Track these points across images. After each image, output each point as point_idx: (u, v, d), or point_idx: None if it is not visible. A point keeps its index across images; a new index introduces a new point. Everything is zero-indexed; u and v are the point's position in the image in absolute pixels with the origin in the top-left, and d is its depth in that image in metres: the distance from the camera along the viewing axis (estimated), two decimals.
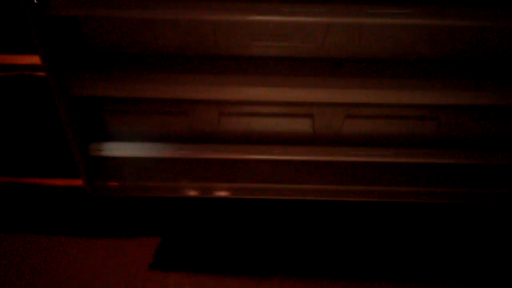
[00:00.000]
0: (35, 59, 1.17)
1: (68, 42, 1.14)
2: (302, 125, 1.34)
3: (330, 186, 1.38)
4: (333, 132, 1.35)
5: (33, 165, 1.46)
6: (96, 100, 1.26)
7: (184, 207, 1.55)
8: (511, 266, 1.41)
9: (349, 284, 1.36)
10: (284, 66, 1.20)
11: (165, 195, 1.39)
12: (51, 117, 1.30)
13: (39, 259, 1.47)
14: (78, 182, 1.46)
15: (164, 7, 1.02)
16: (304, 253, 1.46)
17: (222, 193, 1.39)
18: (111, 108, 1.29)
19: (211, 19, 1.09)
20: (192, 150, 1.33)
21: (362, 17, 1.04)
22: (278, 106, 1.31)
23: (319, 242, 1.49)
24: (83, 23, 1.10)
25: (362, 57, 1.21)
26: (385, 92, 1.20)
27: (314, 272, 1.41)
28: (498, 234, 1.49)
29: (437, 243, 1.47)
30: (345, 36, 1.16)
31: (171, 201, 1.50)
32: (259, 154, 1.33)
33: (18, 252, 1.49)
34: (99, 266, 1.45)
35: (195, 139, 1.36)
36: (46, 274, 1.42)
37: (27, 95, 1.29)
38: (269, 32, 1.15)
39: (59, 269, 1.44)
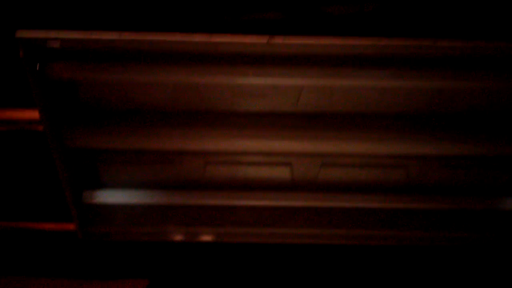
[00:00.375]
0: (34, 114, 1.26)
1: (66, 99, 1.24)
2: (281, 173, 1.44)
3: (310, 230, 1.47)
4: (310, 179, 1.45)
5: (30, 211, 1.54)
6: (90, 151, 1.36)
7: (171, 250, 1.62)
8: None
9: None
10: (264, 120, 1.31)
11: (153, 240, 1.47)
12: (48, 166, 1.39)
13: None
14: (71, 226, 1.53)
15: (153, 72, 1.14)
16: None
17: (207, 237, 1.47)
18: (104, 158, 1.38)
19: (198, 82, 1.20)
20: (178, 197, 1.43)
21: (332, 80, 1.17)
22: (259, 156, 1.40)
23: (303, 284, 1.56)
24: (79, 84, 1.21)
25: (334, 111, 1.31)
26: (356, 143, 1.31)
27: None
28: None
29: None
30: (318, 95, 1.27)
31: (159, 244, 1.57)
32: (242, 201, 1.43)
33: None
34: None
35: (182, 185, 1.45)
36: None
37: (27, 146, 1.38)
38: (250, 92, 1.26)
39: None
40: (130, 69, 1.13)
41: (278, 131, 1.30)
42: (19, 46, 1.04)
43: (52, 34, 1.02)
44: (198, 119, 1.30)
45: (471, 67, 1.14)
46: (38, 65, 1.09)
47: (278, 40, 1.05)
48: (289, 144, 1.32)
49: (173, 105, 1.30)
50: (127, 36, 1.02)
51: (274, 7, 1.33)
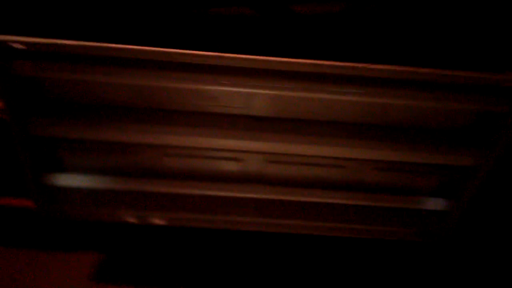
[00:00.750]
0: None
1: (30, 93, 1.32)
2: (232, 166, 1.57)
3: (256, 219, 1.61)
4: (258, 173, 1.58)
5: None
6: (52, 139, 1.44)
7: (128, 230, 1.74)
8: None
9: None
10: (216, 120, 1.42)
11: (109, 221, 1.59)
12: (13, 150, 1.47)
13: None
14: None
15: (111, 75, 1.22)
16: (229, 273, 1.68)
17: (161, 221, 1.59)
18: (65, 146, 1.48)
19: (152, 85, 1.30)
20: (135, 183, 1.54)
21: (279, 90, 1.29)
22: (212, 151, 1.52)
23: (241, 265, 1.71)
24: (43, 80, 1.29)
25: (281, 116, 1.44)
26: (299, 145, 1.44)
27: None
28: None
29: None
30: (267, 101, 1.39)
31: (116, 224, 1.68)
32: (194, 190, 1.55)
33: None
34: (45, 277, 1.61)
35: (139, 173, 1.56)
36: None
37: None
38: (204, 95, 1.37)
39: (5, 278, 1.60)
40: (90, 70, 1.21)
41: (230, 131, 1.42)
42: None
43: (14, 38, 1.10)
44: (156, 115, 1.41)
45: (402, 87, 1.28)
46: (2, 63, 1.17)
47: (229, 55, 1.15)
48: (239, 142, 1.43)
49: (132, 102, 1.40)
50: (87, 45, 1.10)
51: (245, 3, 1.42)
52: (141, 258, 1.69)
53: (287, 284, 1.66)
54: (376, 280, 1.70)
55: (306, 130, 1.44)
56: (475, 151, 1.43)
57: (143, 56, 1.15)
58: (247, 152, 1.53)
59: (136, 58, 1.17)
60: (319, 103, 1.41)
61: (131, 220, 1.60)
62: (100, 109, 1.39)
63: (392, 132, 1.46)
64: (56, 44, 1.12)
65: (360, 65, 1.16)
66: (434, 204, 1.61)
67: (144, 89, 1.36)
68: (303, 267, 1.71)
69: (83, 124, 1.37)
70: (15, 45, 1.11)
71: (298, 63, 1.18)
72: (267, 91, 1.30)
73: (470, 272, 1.76)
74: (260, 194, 1.58)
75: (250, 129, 1.42)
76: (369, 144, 1.44)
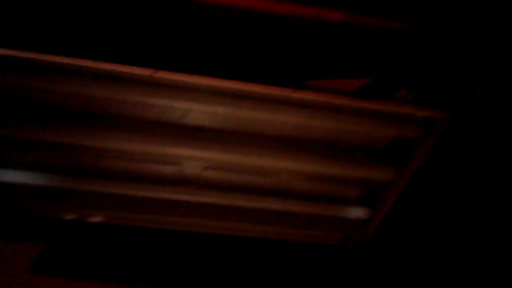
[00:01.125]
0: None
1: None
2: (170, 170, 1.64)
3: (189, 220, 1.70)
4: (194, 178, 1.66)
5: None
6: None
7: (69, 224, 1.79)
8: None
9: None
10: (154, 127, 1.49)
11: (49, 217, 1.64)
12: None
13: None
14: None
15: (51, 83, 1.27)
16: (162, 269, 1.76)
17: (98, 219, 1.66)
18: (9, 143, 1.51)
19: (89, 94, 1.35)
20: (74, 182, 1.59)
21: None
22: (148, 155, 1.58)
23: (172, 262, 1.79)
24: None
25: (218, 128, 1.52)
26: (234, 155, 1.53)
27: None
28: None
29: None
30: (203, 114, 1.47)
31: (56, 220, 1.73)
32: (130, 190, 1.63)
33: None
34: None
35: (80, 173, 1.62)
36: None
37: None
38: (141, 103, 1.43)
39: None
40: (25, 76, 1.26)
41: (166, 138, 1.49)
42: None
43: None
44: (94, 120, 1.46)
45: (324, 110, 1.39)
46: None
47: (161, 74, 1.22)
48: (176, 149, 1.51)
49: (74, 105, 1.44)
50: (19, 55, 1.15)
51: None
52: (80, 253, 1.75)
53: (214, 282, 1.76)
54: (300, 282, 1.83)
55: (243, 141, 1.53)
56: (393, 168, 1.57)
57: (71, 67, 1.20)
58: (184, 158, 1.60)
59: (68, 68, 1.22)
60: (253, 119, 1.49)
61: (71, 216, 1.66)
62: (42, 110, 1.43)
63: (321, 148, 1.57)
64: None
65: (289, 91, 1.25)
66: (357, 212, 1.75)
67: (80, 96, 1.40)
68: (232, 267, 1.81)
69: (24, 124, 1.41)
70: None
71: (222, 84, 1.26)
72: (199, 106, 1.37)
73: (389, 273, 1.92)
74: (194, 197, 1.67)
75: (187, 137, 1.50)
76: (299, 157, 1.56)
